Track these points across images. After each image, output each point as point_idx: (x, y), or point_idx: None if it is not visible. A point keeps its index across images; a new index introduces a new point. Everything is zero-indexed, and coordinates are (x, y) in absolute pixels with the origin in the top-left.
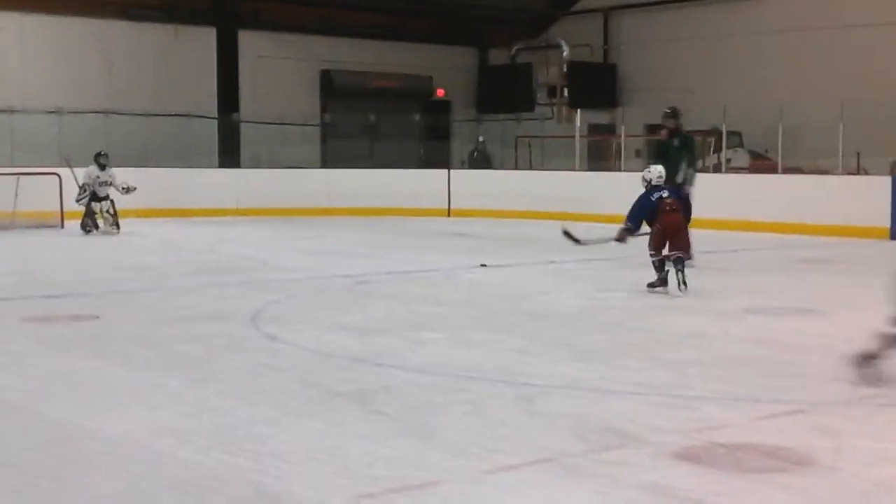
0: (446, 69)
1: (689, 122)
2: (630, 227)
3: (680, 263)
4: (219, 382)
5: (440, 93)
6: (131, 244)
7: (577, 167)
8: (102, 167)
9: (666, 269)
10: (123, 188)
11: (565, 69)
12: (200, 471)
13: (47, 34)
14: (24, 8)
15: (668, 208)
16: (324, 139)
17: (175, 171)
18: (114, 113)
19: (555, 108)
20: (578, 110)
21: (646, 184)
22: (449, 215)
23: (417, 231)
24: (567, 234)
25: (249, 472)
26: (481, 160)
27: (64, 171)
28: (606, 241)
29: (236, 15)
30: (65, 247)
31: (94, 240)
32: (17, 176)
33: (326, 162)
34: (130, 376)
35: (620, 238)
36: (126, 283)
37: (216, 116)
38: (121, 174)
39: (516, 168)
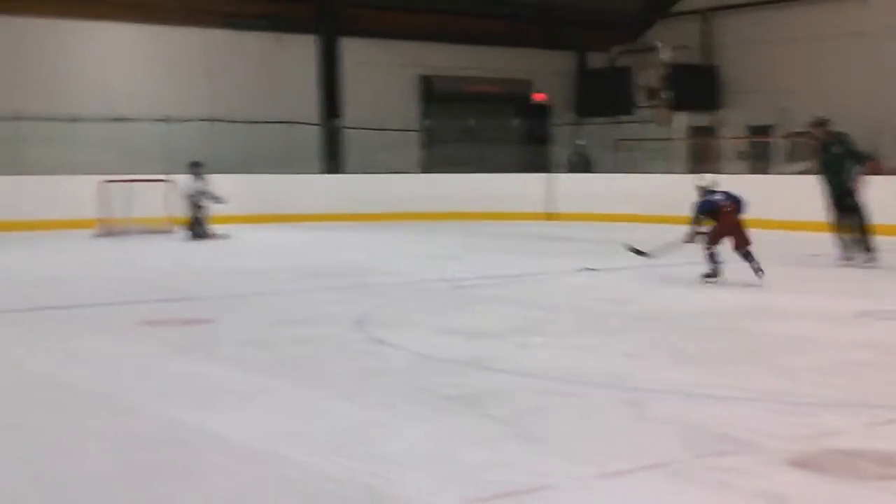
0: (545, 73)
1: (793, 124)
2: (694, 229)
3: (750, 256)
4: (329, 385)
5: (539, 97)
6: (239, 249)
7: (677, 170)
8: (199, 176)
9: (718, 260)
10: (214, 198)
11: (665, 71)
12: (314, 473)
13: (154, 44)
14: (132, 19)
15: (726, 209)
16: (424, 144)
17: (279, 177)
18: (219, 121)
19: (654, 111)
20: (678, 113)
21: (701, 190)
22: (549, 219)
23: (518, 234)
24: (633, 250)
25: (362, 475)
26: (581, 164)
27: (172, 179)
28: (676, 245)
29: (337, 22)
30: (176, 252)
31: (205, 245)
32: (129, 183)
33: (427, 167)
34: (244, 379)
35: (689, 239)
36: (237, 287)
37: (319, 123)
38: (215, 183)
39: (616, 171)
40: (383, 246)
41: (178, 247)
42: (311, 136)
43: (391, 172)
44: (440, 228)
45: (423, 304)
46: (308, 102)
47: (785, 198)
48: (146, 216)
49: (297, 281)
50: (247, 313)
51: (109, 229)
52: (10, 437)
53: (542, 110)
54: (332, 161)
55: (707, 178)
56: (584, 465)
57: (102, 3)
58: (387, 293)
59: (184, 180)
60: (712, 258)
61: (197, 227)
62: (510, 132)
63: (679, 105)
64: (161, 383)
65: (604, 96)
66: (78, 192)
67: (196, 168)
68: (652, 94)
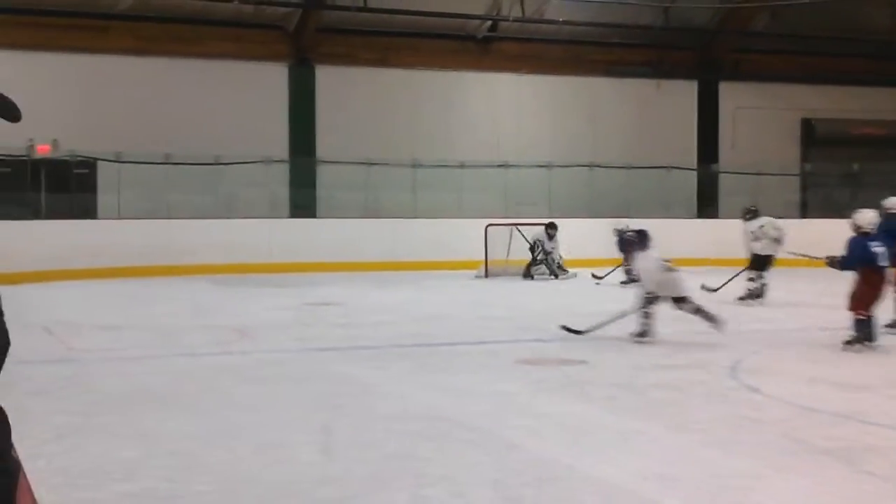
0: None
1: None
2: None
3: None
4: (699, 432)
5: None
6: (611, 292)
7: None
8: (550, 237)
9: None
10: (559, 265)
11: None
12: None
13: (540, 93)
14: (520, 69)
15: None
16: (803, 188)
17: (654, 221)
18: (598, 166)
19: None
20: None
21: (617, 232)
22: None
23: None
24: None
25: None
26: None
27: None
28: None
29: (718, 67)
30: (547, 293)
31: (574, 286)
32: (510, 226)
33: (807, 211)
34: (615, 421)
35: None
36: (608, 329)
37: (695, 168)
38: (563, 246)
39: None
40: None
41: (549, 288)
42: (688, 181)
43: (767, 216)
44: (820, 275)
45: (798, 353)
46: (686, 147)
47: None
48: (524, 259)
49: (668, 324)
50: (618, 355)
51: (491, 270)
52: (397, 466)
53: None
54: (708, 205)
55: (623, 223)
56: None
57: (492, 54)
58: (762, 340)
59: (534, 235)
60: (629, 273)
61: (530, 270)
62: None
63: None
64: (536, 421)
65: None
66: (463, 235)
67: (550, 230)
68: None
